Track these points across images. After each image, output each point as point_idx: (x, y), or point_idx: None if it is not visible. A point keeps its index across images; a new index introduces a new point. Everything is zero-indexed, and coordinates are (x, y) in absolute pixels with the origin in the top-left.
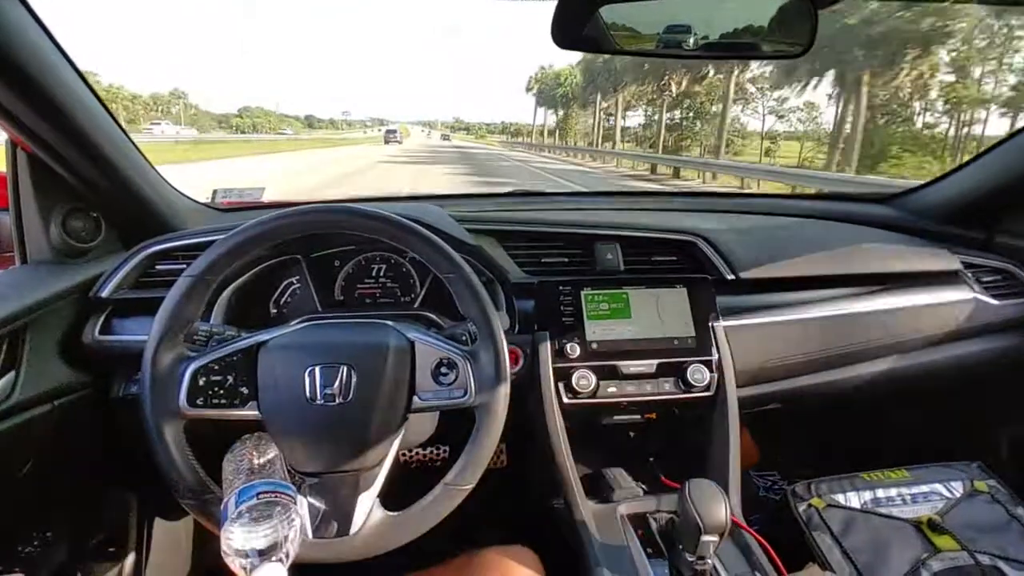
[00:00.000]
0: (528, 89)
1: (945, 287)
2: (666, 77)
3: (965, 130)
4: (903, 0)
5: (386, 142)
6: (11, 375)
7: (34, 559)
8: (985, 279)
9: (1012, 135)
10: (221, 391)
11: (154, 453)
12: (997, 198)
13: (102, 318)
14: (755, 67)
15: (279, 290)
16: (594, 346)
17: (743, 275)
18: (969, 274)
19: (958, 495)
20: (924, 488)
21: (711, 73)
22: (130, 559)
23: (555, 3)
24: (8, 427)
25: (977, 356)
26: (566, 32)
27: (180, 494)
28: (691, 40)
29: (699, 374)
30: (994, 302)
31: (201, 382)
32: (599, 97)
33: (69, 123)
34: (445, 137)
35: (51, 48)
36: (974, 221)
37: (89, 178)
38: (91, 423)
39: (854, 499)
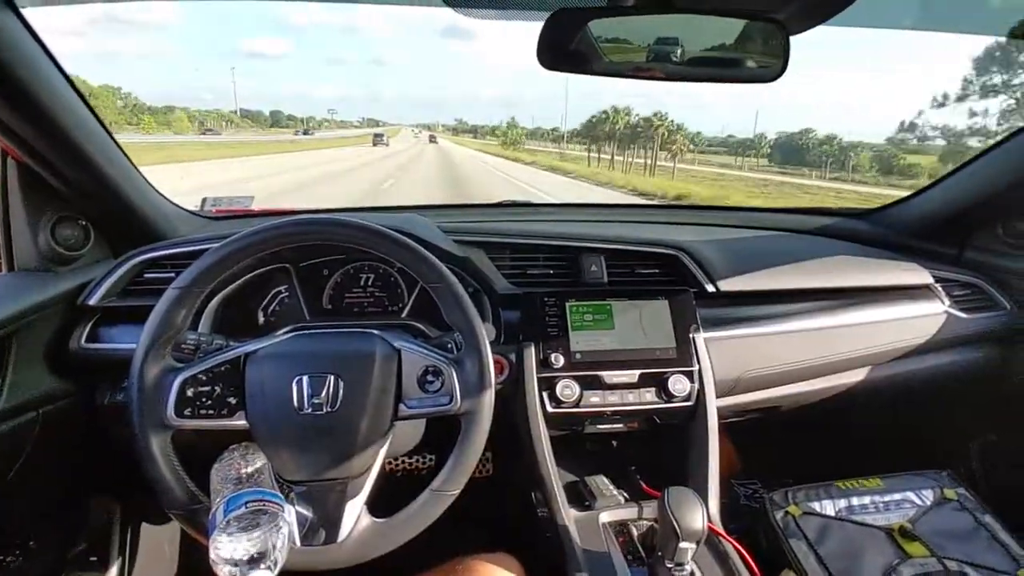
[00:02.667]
0: None
1: (917, 301)
2: None
3: None
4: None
5: (374, 144)
6: None
7: (18, 568)
8: (955, 293)
9: (982, 153)
10: (209, 401)
11: (142, 463)
12: (967, 215)
13: (89, 326)
14: None
15: (267, 298)
16: (578, 356)
17: (723, 288)
18: (940, 288)
19: (928, 503)
20: (896, 496)
21: None
22: (114, 568)
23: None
24: None
25: (947, 368)
26: (553, 52)
27: (168, 504)
28: (679, 51)
29: (680, 384)
30: (964, 316)
31: (189, 393)
32: None
33: (59, 131)
34: (432, 139)
35: (43, 56)
36: (946, 237)
37: (79, 186)
38: (76, 431)
39: (829, 507)
